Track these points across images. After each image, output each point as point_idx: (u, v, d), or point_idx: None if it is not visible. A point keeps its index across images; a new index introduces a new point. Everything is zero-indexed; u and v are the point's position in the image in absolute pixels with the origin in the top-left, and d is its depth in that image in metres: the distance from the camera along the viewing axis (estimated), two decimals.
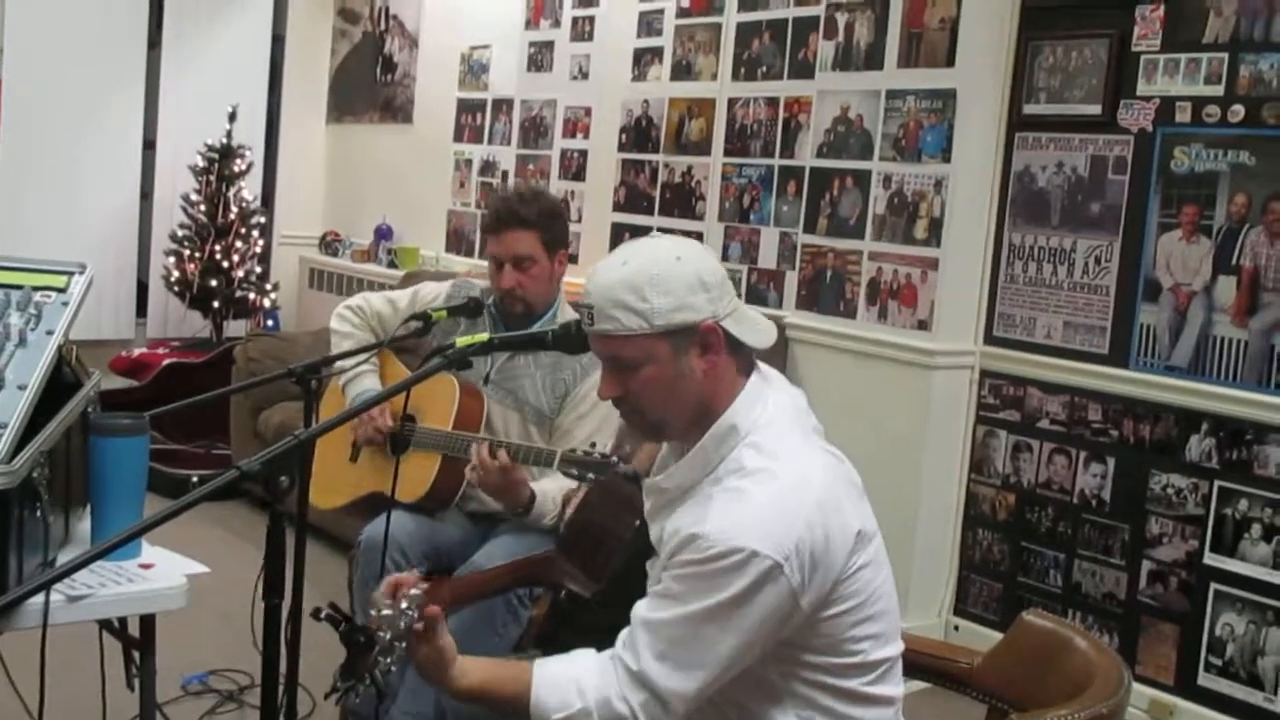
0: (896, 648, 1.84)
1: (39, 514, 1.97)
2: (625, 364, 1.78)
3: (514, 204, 3.07)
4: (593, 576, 1.96)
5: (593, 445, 2.69)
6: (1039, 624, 2.02)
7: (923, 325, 3.92)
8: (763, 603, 1.64)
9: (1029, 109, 3.84)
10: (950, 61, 3.86)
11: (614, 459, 2.61)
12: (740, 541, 1.63)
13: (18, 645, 2.00)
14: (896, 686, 1.85)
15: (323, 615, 1.65)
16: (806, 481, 1.73)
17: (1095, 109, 3.66)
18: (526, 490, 2.83)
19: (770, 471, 1.72)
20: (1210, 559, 3.42)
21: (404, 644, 1.71)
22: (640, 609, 1.72)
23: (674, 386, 1.78)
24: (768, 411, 1.80)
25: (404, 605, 1.72)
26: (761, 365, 1.87)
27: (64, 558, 2.09)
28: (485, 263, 3.35)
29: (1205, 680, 3.43)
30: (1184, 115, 3.47)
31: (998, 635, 2.21)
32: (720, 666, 1.68)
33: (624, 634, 1.72)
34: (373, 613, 1.73)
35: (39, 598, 1.85)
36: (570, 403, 3.06)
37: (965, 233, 3.90)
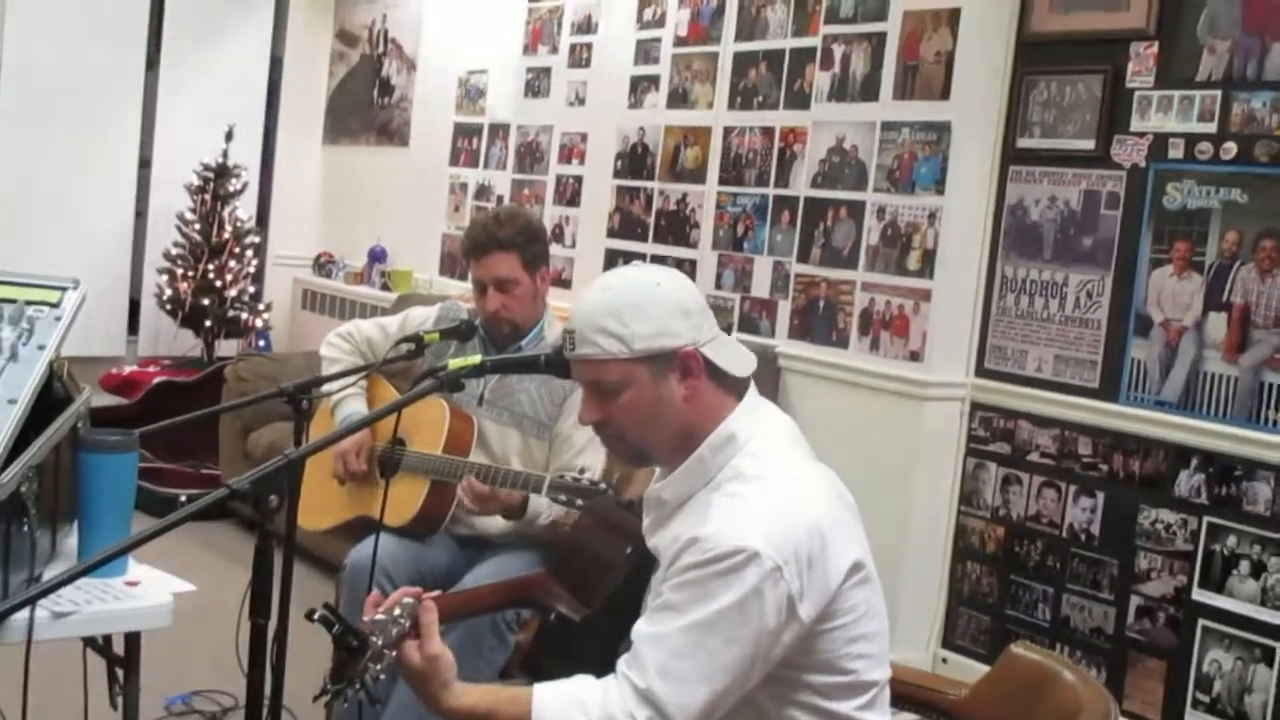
0: (886, 672, 1.84)
1: (26, 529, 1.96)
2: (606, 389, 1.80)
3: (492, 228, 3.09)
4: (583, 600, 1.96)
5: (582, 471, 2.69)
6: (1027, 657, 2.03)
7: (914, 356, 3.93)
8: (763, 608, 1.64)
9: (1023, 143, 3.87)
10: (945, 94, 3.88)
11: (603, 485, 2.61)
12: (741, 542, 1.64)
13: (1, 661, 1.99)
14: (885, 714, 1.85)
15: (316, 616, 1.63)
16: (806, 490, 1.75)
17: (1089, 144, 3.68)
18: (517, 495, 2.86)
19: (770, 478, 1.74)
20: (1198, 595, 3.41)
21: (394, 652, 1.70)
22: (642, 626, 1.71)
23: (654, 411, 1.79)
24: (765, 424, 1.82)
25: (396, 612, 1.72)
26: (753, 391, 1.88)
27: (50, 573, 2.08)
28: None
29: (1192, 717, 3.42)
30: (1177, 152, 3.49)
31: (986, 668, 2.20)
32: (724, 680, 1.65)
33: (628, 653, 1.70)
34: (365, 618, 1.72)
35: (24, 613, 1.85)
36: (568, 407, 3.06)
37: (958, 265, 3.91)
